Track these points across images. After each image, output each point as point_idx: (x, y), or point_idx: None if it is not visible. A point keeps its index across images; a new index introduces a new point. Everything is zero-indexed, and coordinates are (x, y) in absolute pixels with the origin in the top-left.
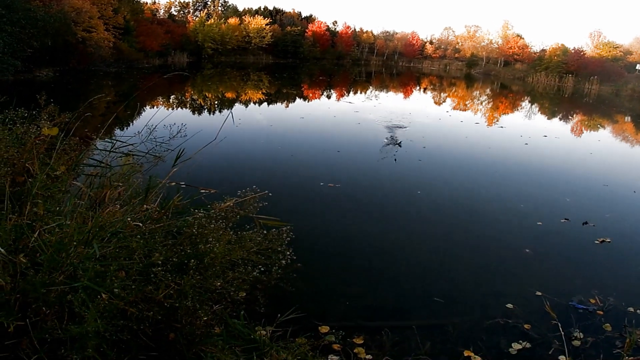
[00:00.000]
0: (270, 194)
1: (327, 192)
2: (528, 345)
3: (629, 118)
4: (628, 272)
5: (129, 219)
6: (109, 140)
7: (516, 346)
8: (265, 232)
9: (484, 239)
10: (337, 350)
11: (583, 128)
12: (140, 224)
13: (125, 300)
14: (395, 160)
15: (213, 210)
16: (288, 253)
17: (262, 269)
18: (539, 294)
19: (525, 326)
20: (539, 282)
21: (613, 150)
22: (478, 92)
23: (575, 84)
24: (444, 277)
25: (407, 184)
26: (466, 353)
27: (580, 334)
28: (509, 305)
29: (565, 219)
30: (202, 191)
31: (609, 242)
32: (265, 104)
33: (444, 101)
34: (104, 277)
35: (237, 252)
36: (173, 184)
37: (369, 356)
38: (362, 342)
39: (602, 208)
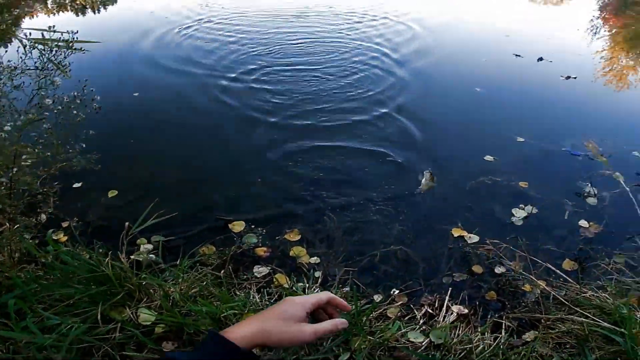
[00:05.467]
0: None
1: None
2: (534, 210)
3: None
4: (611, 108)
5: None
6: None
7: (519, 213)
8: None
9: (418, 76)
10: (264, 256)
11: None
12: None
13: None
14: None
15: None
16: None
17: None
18: (521, 139)
19: (521, 184)
20: (510, 126)
21: None
22: None
23: None
24: (379, 127)
25: None
26: (455, 232)
27: (593, 189)
28: (488, 158)
29: (516, 54)
30: None
31: (575, 78)
32: None
33: None
34: None
35: None
36: None
37: (314, 259)
38: (298, 237)
39: (545, 45)
